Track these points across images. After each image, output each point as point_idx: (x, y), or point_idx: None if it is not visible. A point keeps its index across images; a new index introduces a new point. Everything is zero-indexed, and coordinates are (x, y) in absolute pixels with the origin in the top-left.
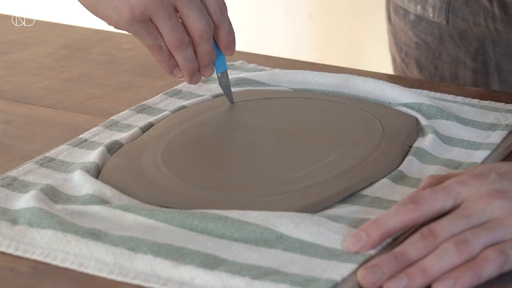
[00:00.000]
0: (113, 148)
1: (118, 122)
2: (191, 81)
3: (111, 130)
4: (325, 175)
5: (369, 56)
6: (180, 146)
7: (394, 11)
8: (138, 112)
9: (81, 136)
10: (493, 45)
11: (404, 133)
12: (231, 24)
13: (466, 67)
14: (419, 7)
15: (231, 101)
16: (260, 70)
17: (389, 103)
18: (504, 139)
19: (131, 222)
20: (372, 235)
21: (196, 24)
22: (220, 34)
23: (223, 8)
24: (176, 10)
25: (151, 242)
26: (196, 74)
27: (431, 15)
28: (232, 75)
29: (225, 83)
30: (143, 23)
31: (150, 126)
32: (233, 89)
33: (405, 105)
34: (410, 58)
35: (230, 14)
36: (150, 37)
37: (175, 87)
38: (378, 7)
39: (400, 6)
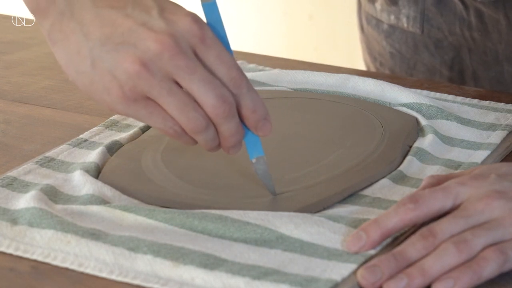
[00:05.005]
0: (113, 148)
1: (118, 122)
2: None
3: (111, 130)
4: (325, 175)
5: None
6: (180, 146)
7: (367, 21)
8: None
9: (81, 136)
10: (470, 53)
11: (404, 133)
12: (256, 98)
13: (442, 76)
14: (392, 17)
15: (273, 193)
16: (260, 70)
17: (389, 103)
18: (504, 139)
19: (131, 222)
20: (372, 234)
21: (204, 99)
22: (242, 112)
23: (238, 79)
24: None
25: (151, 242)
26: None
27: (405, 25)
28: None
29: (262, 170)
30: (141, 103)
31: (150, 126)
32: None
33: (405, 105)
34: (385, 67)
35: (231, 14)
36: (155, 119)
37: None
38: None
39: (373, 15)
